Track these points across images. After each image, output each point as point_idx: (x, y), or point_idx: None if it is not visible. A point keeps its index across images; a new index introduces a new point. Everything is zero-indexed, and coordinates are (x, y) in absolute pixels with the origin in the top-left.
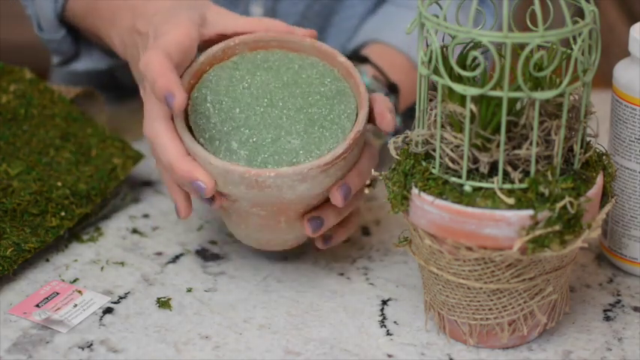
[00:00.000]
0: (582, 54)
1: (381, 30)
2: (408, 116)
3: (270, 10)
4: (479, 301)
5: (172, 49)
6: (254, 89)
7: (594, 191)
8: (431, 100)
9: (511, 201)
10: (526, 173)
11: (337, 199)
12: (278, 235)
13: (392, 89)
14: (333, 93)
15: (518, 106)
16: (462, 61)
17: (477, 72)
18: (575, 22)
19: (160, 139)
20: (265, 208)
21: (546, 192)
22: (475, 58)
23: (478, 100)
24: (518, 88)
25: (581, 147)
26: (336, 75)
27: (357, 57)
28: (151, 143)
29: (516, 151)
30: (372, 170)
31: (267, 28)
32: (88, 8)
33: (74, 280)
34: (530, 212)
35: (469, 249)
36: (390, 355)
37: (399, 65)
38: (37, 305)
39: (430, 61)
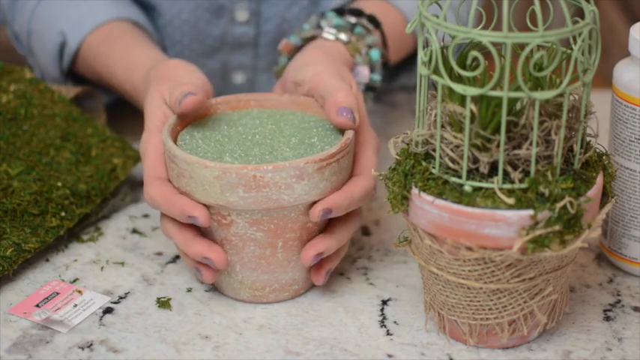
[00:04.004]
0: (582, 54)
1: None
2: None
3: (254, 14)
4: (479, 301)
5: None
6: (241, 128)
7: (594, 191)
8: (431, 100)
9: (511, 201)
10: (526, 173)
11: (314, 212)
12: (274, 274)
13: (384, 66)
14: (316, 124)
15: (518, 106)
16: (462, 61)
17: (477, 72)
18: (575, 22)
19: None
20: (263, 224)
21: (546, 192)
22: (475, 58)
23: (478, 100)
24: (518, 88)
25: (581, 147)
26: (317, 117)
27: (370, 18)
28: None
29: (516, 151)
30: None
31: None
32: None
33: (74, 280)
34: (530, 212)
35: (469, 249)
36: (390, 355)
37: (396, 35)
38: (37, 305)
39: (430, 61)
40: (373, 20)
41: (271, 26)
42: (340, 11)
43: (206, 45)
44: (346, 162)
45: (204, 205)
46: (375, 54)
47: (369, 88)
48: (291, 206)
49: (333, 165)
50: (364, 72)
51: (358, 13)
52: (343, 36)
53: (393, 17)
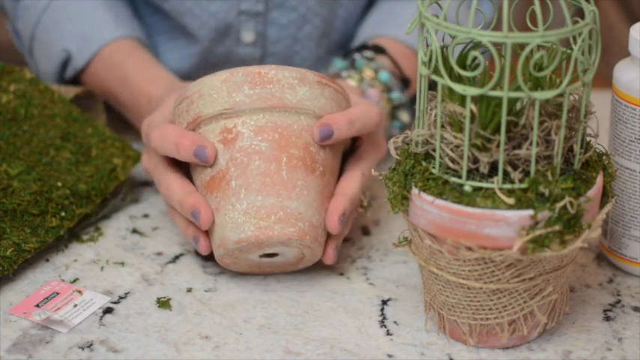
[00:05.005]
0: (582, 54)
1: (385, 25)
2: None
3: (260, 35)
4: (479, 301)
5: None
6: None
7: (594, 191)
8: (431, 100)
9: (511, 201)
10: (526, 173)
11: (315, 132)
12: (279, 197)
13: (404, 83)
14: None
15: (518, 106)
16: (461, 61)
17: (477, 72)
18: (575, 22)
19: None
20: (267, 132)
21: (546, 192)
22: (475, 58)
23: (478, 100)
24: (518, 88)
25: (581, 147)
26: None
27: (374, 47)
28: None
29: (516, 151)
30: (364, 196)
31: None
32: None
33: (74, 280)
34: (530, 212)
35: (469, 249)
36: (390, 355)
37: (408, 57)
38: (37, 305)
39: (430, 61)
40: (377, 48)
41: (281, 47)
42: (349, 52)
43: (209, 61)
44: (344, 105)
45: (212, 119)
46: (384, 75)
47: (396, 106)
48: (295, 112)
49: (332, 90)
50: (371, 93)
51: (362, 47)
52: (344, 73)
53: (402, 46)
